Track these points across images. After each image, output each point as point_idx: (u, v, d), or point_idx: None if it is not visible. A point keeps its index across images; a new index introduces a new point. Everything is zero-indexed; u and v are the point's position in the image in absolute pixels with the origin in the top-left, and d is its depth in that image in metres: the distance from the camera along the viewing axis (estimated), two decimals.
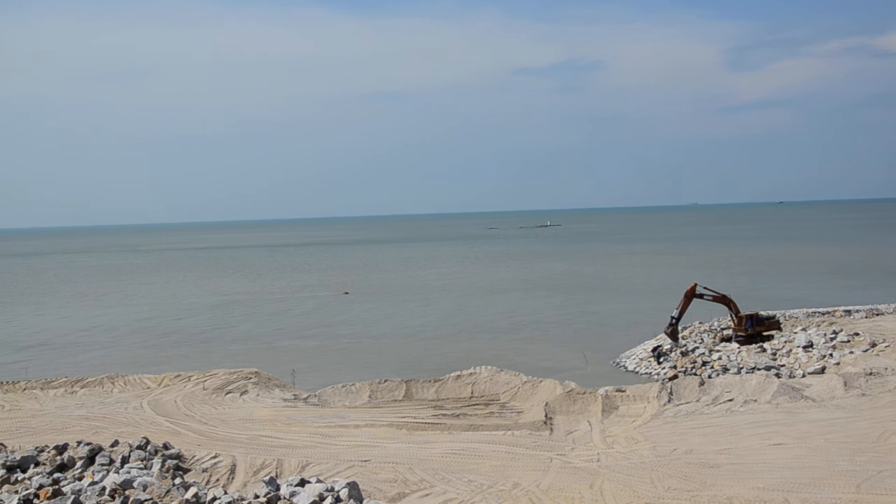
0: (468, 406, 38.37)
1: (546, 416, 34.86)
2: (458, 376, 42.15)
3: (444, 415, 36.55)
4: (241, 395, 40.57)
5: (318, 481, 23.95)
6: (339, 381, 43.40)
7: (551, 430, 33.27)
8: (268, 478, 24.25)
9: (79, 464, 26.30)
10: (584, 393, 37.66)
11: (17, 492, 22.64)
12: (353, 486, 23.34)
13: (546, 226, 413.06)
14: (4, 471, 24.70)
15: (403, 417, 35.86)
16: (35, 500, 21.78)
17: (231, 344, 71.14)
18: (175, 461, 27.06)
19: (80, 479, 24.41)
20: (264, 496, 22.88)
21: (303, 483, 23.67)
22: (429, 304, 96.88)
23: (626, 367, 54.93)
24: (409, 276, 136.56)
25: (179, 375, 44.59)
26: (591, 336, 68.05)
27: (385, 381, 41.57)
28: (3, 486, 23.53)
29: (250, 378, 43.33)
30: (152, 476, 24.39)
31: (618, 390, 39.14)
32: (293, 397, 40.44)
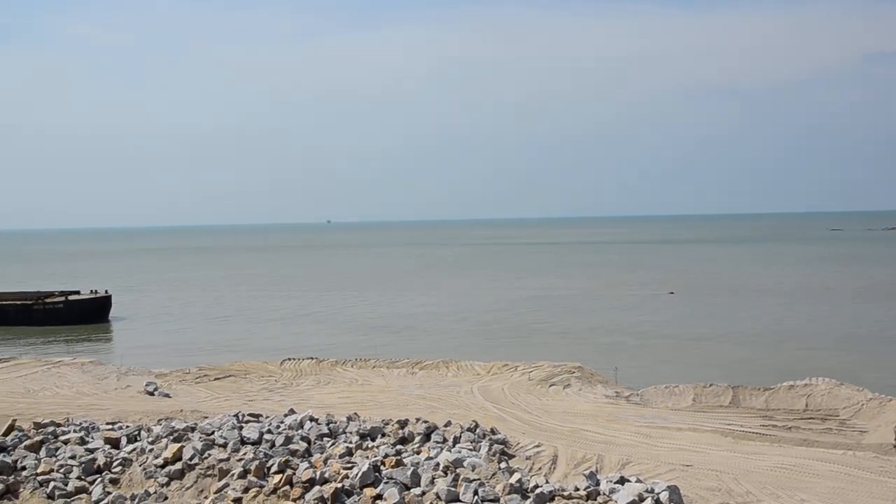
0: (801, 419, 35.69)
1: None
2: (791, 387, 39.33)
3: (775, 426, 34.37)
4: (564, 388, 41.56)
5: (638, 481, 23.86)
6: (661, 382, 42.62)
7: None
8: (588, 472, 24.66)
9: (417, 439, 28.53)
10: None
11: (367, 457, 25.45)
12: (673, 490, 22.94)
13: None
14: (358, 437, 27.87)
15: (729, 425, 34.34)
16: (381, 467, 24.30)
17: (552, 337, 72.91)
18: (501, 446, 28.36)
19: (418, 452, 26.60)
20: (584, 489, 23.27)
21: (622, 481, 23.73)
22: (758, 307, 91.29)
23: None
24: (740, 278, 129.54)
25: (507, 365, 46.76)
26: None
27: (710, 385, 40.08)
28: (357, 450, 26.59)
29: (573, 372, 44.18)
30: (480, 458, 25.87)
31: None
32: (615, 394, 40.53)
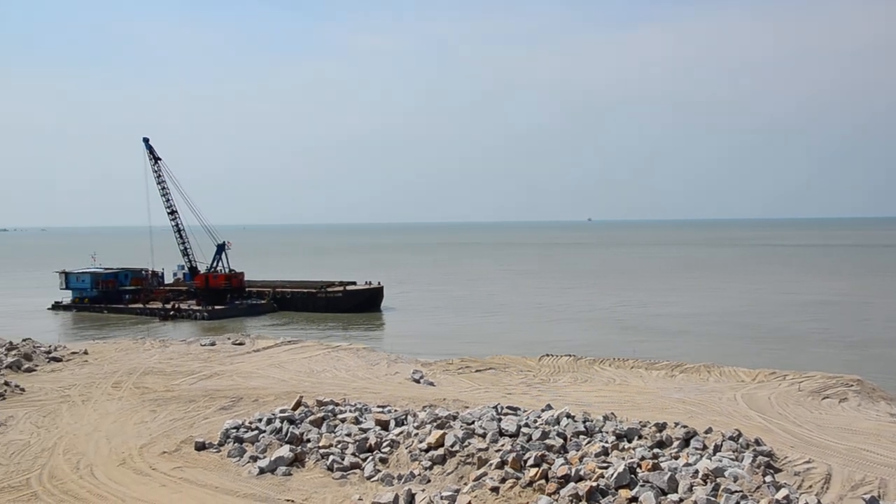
0: None
1: None
2: None
3: None
4: (839, 401, 38.41)
5: None
6: None
7: None
8: (868, 496, 22.77)
9: (675, 444, 27.87)
10: None
11: (623, 458, 25.29)
12: None
13: None
14: (615, 438, 27.76)
15: None
16: (637, 469, 24.05)
17: (826, 346, 67.48)
18: (766, 458, 26.93)
19: (675, 458, 25.99)
20: None
21: None
22: None
23: None
24: None
25: (774, 373, 44.14)
26: None
27: None
28: (613, 450, 26.51)
29: (851, 385, 40.70)
30: (743, 469, 24.73)
31: None
32: None
